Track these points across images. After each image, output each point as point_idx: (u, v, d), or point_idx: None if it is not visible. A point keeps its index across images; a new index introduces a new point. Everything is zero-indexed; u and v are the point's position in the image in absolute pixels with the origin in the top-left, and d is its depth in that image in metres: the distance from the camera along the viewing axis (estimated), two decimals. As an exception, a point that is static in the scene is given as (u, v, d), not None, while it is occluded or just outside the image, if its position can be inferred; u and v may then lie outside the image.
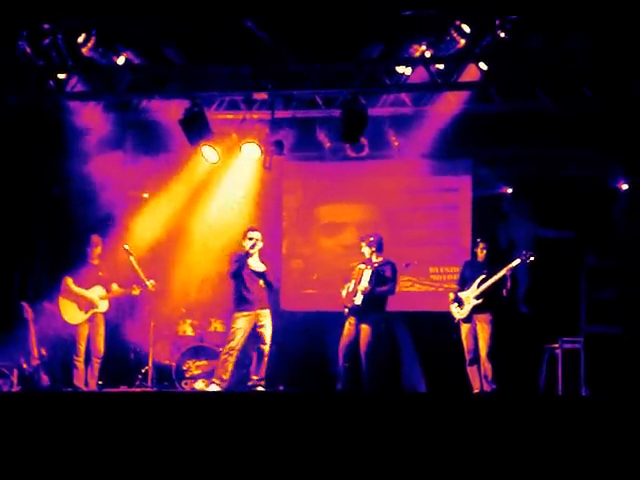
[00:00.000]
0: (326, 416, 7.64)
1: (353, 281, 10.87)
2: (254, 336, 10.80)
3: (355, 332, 10.74)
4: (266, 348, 10.76)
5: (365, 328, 10.71)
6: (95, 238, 11.23)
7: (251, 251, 10.79)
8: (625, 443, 6.99)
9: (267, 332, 10.77)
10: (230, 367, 10.70)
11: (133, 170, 12.35)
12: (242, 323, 10.72)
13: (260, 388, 10.70)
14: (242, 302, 10.81)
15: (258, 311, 10.77)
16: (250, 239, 10.82)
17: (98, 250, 11.21)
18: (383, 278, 10.80)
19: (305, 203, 13.20)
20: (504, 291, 10.50)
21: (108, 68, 10.96)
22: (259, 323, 10.75)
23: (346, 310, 10.84)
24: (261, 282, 10.82)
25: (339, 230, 12.76)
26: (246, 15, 10.03)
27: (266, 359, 10.77)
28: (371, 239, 11.04)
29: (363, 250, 11.01)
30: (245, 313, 10.77)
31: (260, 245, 10.85)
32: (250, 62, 10.75)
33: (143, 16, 10.26)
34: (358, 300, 10.74)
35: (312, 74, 10.73)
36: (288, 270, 13.09)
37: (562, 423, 7.30)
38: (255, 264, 10.82)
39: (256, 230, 10.97)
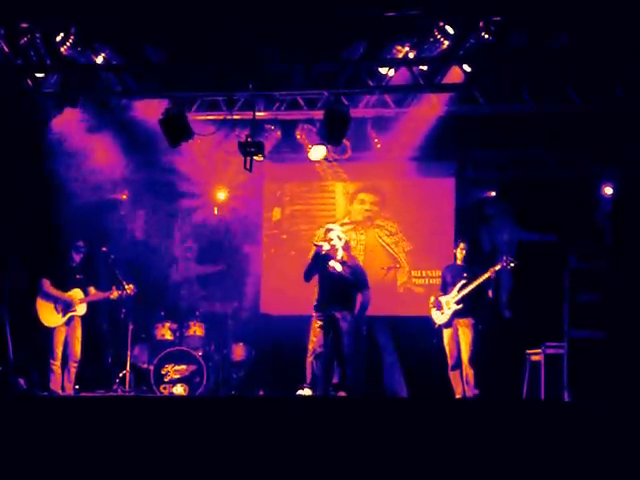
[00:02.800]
0: (306, 421, 7.59)
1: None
2: (333, 339, 10.53)
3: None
4: (341, 352, 10.45)
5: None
6: (81, 243, 11.08)
7: (324, 250, 10.53)
8: (608, 448, 6.95)
9: (340, 336, 10.44)
10: (310, 371, 10.42)
11: (111, 171, 12.20)
12: (316, 325, 10.47)
13: (342, 393, 10.36)
14: (316, 302, 10.58)
15: (333, 313, 10.46)
16: (325, 240, 10.61)
17: (78, 257, 11.08)
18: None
19: (286, 205, 13.13)
20: (487, 295, 10.45)
21: (87, 67, 10.78)
22: (334, 326, 10.47)
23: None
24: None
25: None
26: (227, 14, 9.91)
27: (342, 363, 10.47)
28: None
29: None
30: (317, 314, 10.52)
31: (337, 243, 10.57)
32: (231, 62, 10.62)
33: (122, 14, 10.13)
34: None
35: (294, 74, 10.61)
36: (268, 272, 12.97)
37: (545, 428, 7.27)
38: (333, 264, 10.52)
39: (332, 229, 10.76)
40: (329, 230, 10.76)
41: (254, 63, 10.49)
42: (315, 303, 10.57)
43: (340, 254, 10.59)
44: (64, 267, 11.08)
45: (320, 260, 10.55)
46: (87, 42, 10.54)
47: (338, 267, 10.50)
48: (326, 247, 10.55)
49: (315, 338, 10.43)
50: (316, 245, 10.61)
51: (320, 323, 10.45)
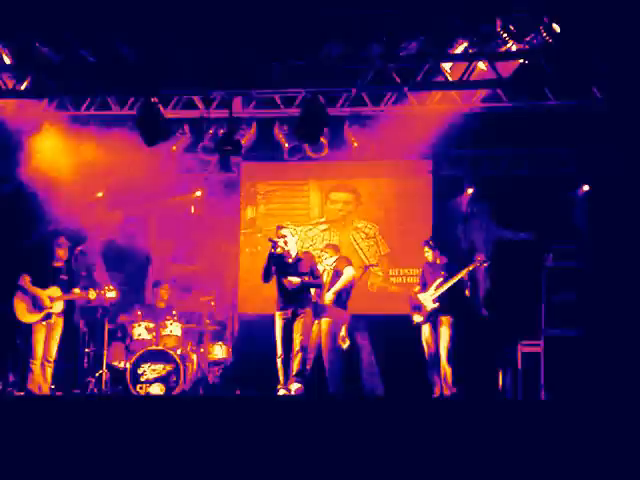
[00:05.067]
0: (284, 420, 7.60)
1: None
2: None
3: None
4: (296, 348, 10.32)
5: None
6: (61, 239, 11.01)
7: (277, 251, 10.37)
8: (584, 446, 7.00)
9: (294, 333, 10.31)
10: (281, 370, 10.32)
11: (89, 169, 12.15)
12: (277, 324, 10.39)
13: (298, 385, 10.23)
14: (277, 301, 10.50)
15: (294, 310, 10.32)
16: (278, 238, 10.44)
17: (62, 252, 11.00)
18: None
19: (260, 204, 13.14)
20: (465, 293, 10.49)
21: (62, 66, 10.67)
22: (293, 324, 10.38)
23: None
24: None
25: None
26: (202, 12, 9.86)
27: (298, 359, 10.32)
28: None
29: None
30: (279, 313, 10.42)
31: (288, 244, 10.42)
32: (209, 60, 10.56)
33: (97, 14, 10.05)
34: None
35: (271, 73, 10.57)
36: (245, 271, 12.96)
37: (522, 427, 7.29)
38: (290, 279, 10.35)
39: (283, 227, 10.60)
40: (281, 228, 10.60)
41: (231, 61, 10.45)
42: (277, 302, 10.49)
43: (294, 253, 10.49)
44: (46, 265, 10.98)
45: (275, 260, 10.42)
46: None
47: (295, 280, 10.36)
48: (281, 244, 10.38)
49: (279, 338, 10.40)
50: (271, 240, 10.46)
51: (282, 322, 10.38)
